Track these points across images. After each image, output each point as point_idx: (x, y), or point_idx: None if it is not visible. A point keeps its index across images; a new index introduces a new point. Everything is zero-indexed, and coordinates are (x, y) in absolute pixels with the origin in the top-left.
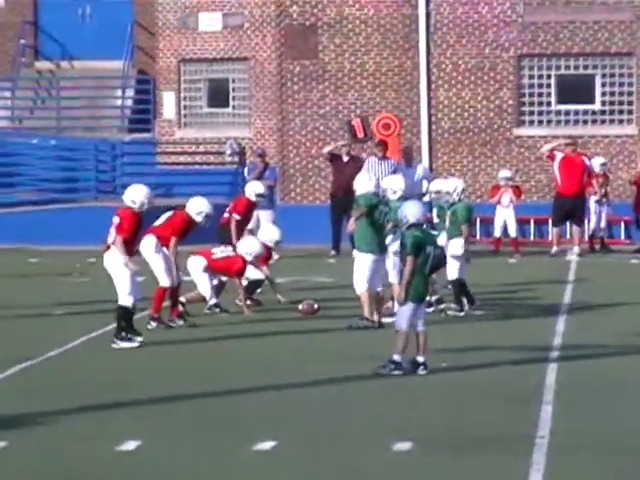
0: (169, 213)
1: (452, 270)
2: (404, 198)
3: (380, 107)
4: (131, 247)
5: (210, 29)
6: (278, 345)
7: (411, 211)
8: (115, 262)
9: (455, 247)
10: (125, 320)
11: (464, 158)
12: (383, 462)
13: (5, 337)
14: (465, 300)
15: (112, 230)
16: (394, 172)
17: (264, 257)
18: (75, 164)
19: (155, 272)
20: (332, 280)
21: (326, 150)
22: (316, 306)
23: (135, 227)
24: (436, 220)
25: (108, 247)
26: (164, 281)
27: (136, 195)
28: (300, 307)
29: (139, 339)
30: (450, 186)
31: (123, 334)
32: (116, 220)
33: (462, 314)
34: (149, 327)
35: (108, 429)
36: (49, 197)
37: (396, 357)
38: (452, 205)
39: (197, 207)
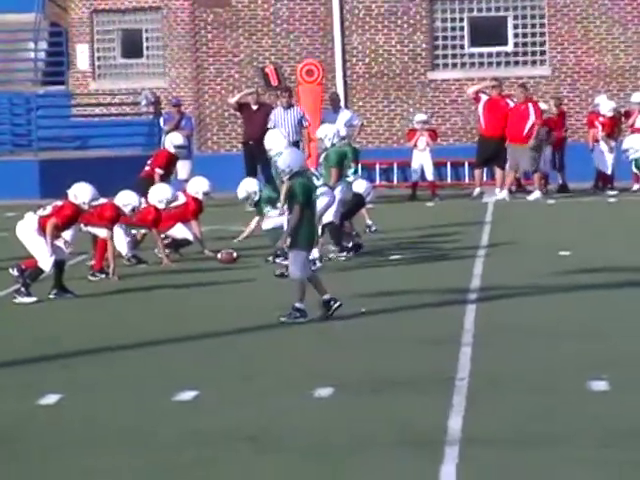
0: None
1: (327, 214)
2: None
3: (294, 54)
4: (59, 233)
5: None
6: (198, 295)
7: (294, 159)
8: (28, 230)
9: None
10: (32, 278)
11: (379, 103)
12: (305, 408)
13: None
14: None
15: (50, 207)
16: (300, 120)
17: (194, 211)
18: None
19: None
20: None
21: (232, 100)
22: (235, 255)
23: (71, 220)
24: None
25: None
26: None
27: (81, 193)
28: (219, 256)
29: (68, 296)
30: (321, 133)
31: (23, 290)
32: (59, 204)
33: (344, 255)
34: (92, 279)
35: (28, 383)
36: None
37: (298, 305)
38: (325, 150)
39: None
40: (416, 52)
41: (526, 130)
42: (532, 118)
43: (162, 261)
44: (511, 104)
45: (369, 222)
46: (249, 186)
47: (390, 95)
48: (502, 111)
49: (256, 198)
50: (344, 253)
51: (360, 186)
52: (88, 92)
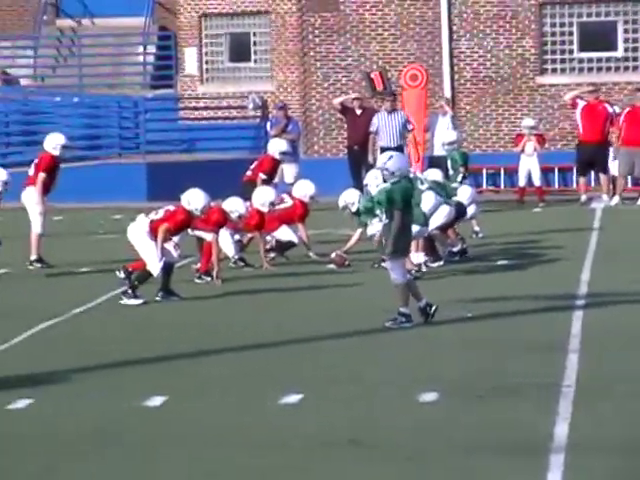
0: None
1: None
2: None
3: (402, 58)
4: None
5: None
6: (303, 299)
7: (404, 163)
8: (139, 232)
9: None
10: (140, 281)
11: (487, 107)
12: (409, 412)
13: (34, 294)
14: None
15: (162, 211)
16: (404, 124)
17: (301, 214)
18: (98, 121)
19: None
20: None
21: (337, 101)
22: (347, 262)
23: (183, 226)
24: (451, 172)
25: (154, 223)
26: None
27: (194, 200)
28: (332, 255)
29: (174, 299)
30: (349, 198)
31: (130, 292)
32: (171, 208)
33: (437, 264)
34: (198, 281)
35: (134, 385)
36: (73, 155)
37: (403, 309)
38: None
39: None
40: (525, 57)
41: None
42: None
43: (262, 264)
44: (609, 109)
45: (477, 228)
46: (348, 197)
47: (498, 100)
48: (600, 116)
49: (353, 209)
50: (438, 262)
51: (464, 194)
52: (196, 95)
